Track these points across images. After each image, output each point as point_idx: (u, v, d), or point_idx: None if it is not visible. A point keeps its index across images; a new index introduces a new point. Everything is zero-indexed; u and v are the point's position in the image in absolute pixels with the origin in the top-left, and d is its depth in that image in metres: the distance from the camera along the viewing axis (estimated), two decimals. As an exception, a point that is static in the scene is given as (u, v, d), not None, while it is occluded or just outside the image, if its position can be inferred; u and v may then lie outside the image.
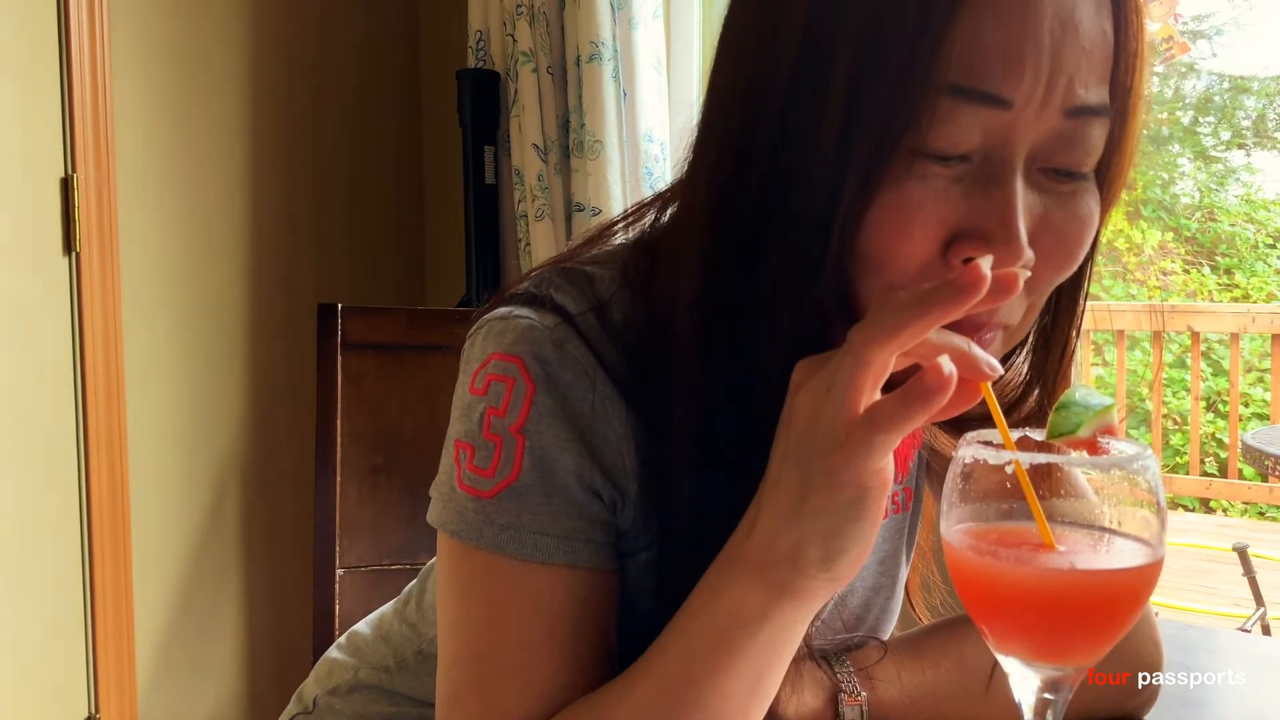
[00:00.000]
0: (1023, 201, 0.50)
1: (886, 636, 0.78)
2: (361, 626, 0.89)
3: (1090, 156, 0.52)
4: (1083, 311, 0.61)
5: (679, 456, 0.58)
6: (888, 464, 0.46)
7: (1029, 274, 0.49)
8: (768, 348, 0.54)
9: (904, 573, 0.79)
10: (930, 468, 0.80)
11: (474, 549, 0.59)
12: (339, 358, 1.22)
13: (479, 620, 0.59)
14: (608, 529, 0.61)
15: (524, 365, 0.59)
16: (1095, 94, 0.50)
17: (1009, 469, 0.43)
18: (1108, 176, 0.54)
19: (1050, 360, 0.62)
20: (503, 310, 0.62)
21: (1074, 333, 0.61)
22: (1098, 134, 0.51)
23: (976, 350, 0.46)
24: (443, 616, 0.62)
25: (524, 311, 0.61)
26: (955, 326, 0.48)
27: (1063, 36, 0.49)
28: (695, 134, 0.60)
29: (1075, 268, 0.54)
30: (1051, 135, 0.50)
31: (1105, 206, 0.54)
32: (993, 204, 0.50)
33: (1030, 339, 0.62)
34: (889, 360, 0.45)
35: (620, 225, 0.68)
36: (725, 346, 0.56)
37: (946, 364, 0.43)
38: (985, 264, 0.43)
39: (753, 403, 0.55)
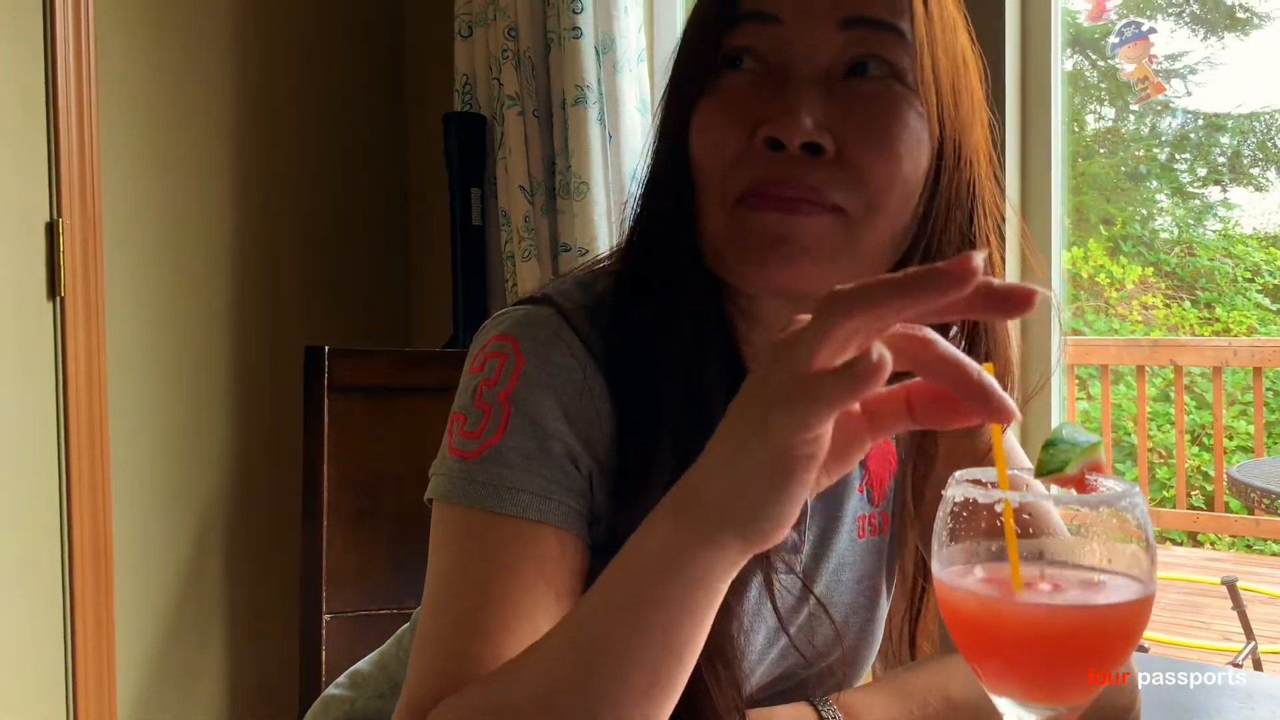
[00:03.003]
0: (811, 96, 0.62)
1: (869, 659, 0.80)
2: (362, 664, 0.92)
3: (879, 62, 0.63)
4: (974, 236, 0.68)
5: (634, 437, 0.65)
6: (820, 441, 0.43)
7: (1050, 294, 0.46)
8: (674, 286, 0.66)
9: (884, 598, 0.81)
10: (905, 503, 0.81)
11: (455, 506, 0.63)
12: (326, 401, 1.22)
13: (451, 570, 0.62)
14: (581, 497, 0.64)
15: (517, 343, 0.65)
16: (881, 9, 0.63)
17: (999, 508, 0.43)
18: (922, 86, 0.64)
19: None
20: (506, 308, 0.70)
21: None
22: (886, 43, 0.63)
23: (989, 381, 0.41)
24: (426, 581, 0.64)
25: (523, 306, 0.69)
26: (762, 189, 0.62)
27: None
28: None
29: (887, 151, 0.63)
30: (836, 44, 0.63)
31: (929, 113, 0.64)
32: (778, 94, 0.62)
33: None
34: (853, 331, 0.42)
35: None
36: (648, 303, 0.67)
37: (877, 349, 0.41)
38: (979, 256, 0.40)
39: (673, 365, 0.65)
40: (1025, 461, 0.81)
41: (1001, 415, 0.41)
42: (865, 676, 0.81)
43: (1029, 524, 0.44)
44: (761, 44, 0.63)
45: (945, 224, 0.67)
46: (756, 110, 0.63)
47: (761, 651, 0.73)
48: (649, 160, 0.71)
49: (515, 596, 0.60)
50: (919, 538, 0.80)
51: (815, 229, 0.62)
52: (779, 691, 0.76)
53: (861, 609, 0.78)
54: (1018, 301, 0.41)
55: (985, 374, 0.42)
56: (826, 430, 0.43)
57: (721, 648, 0.63)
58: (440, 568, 0.63)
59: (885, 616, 0.81)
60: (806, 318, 0.44)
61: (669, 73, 0.70)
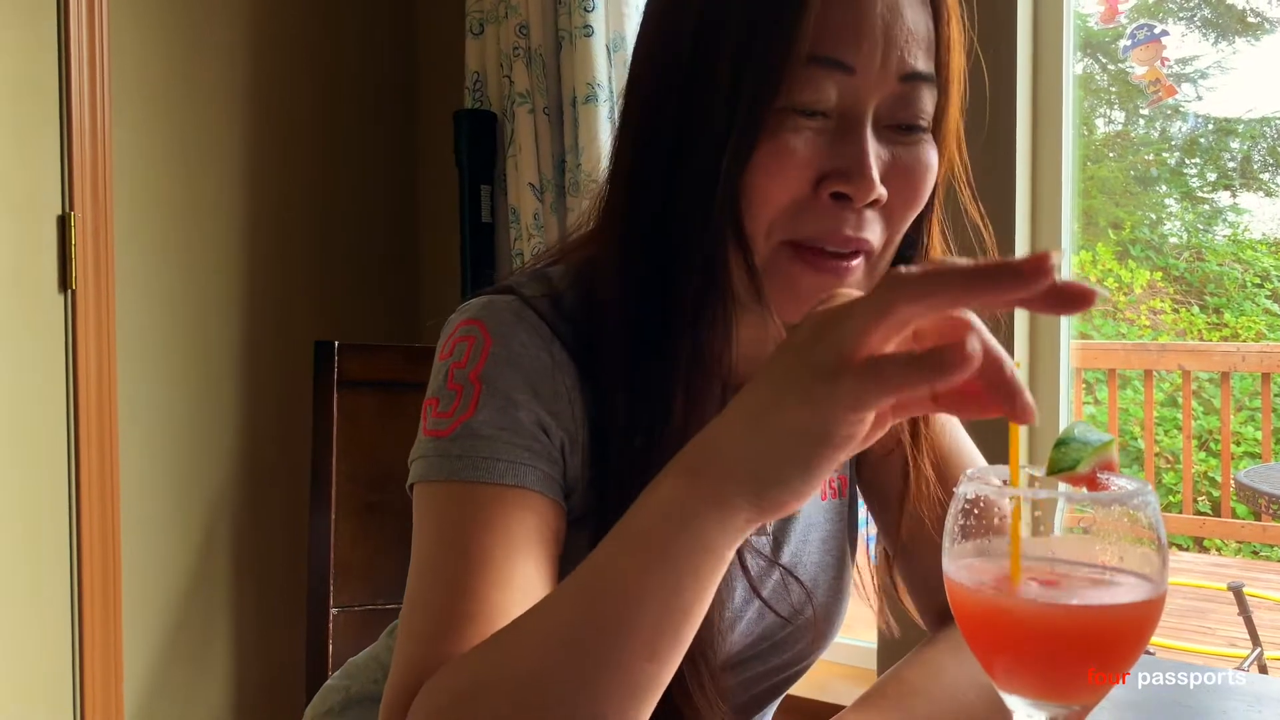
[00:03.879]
0: (873, 148, 0.64)
1: (841, 615, 0.84)
2: (356, 657, 0.94)
3: (923, 114, 0.66)
4: (926, 246, 0.72)
5: (613, 412, 0.67)
6: (865, 423, 0.43)
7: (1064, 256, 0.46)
8: (680, 285, 0.66)
9: (849, 557, 0.85)
10: (860, 474, 0.86)
11: (433, 484, 0.65)
12: (335, 395, 1.22)
13: (433, 542, 0.63)
14: (554, 464, 0.66)
15: (484, 326, 0.68)
16: (923, 64, 0.65)
17: (1011, 505, 0.43)
18: (940, 132, 0.68)
19: None
20: (469, 300, 0.73)
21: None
22: (927, 96, 0.66)
23: (1019, 379, 0.41)
24: (411, 558, 0.65)
25: (486, 295, 0.72)
26: (819, 241, 0.63)
27: (892, 19, 0.63)
28: (616, 131, 0.72)
29: (922, 203, 0.67)
30: (890, 97, 0.64)
31: (941, 157, 0.68)
32: (849, 149, 0.63)
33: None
34: (911, 317, 0.41)
35: (575, 236, 0.78)
36: (645, 295, 0.67)
37: (974, 342, 0.40)
38: (1055, 255, 0.39)
39: (669, 350, 0.65)
40: (981, 460, 0.87)
41: (1024, 416, 0.41)
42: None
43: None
44: (832, 93, 0.63)
45: (920, 240, 0.72)
46: (822, 159, 0.63)
47: (738, 611, 0.76)
48: (646, 151, 0.68)
49: (496, 558, 0.60)
50: (864, 498, 0.87)
51: (855, 277, 0.66)
52: (758, 652, 0.78)
53: (829, 568, 0.82)
54: (1079, 300, 0.39)
55: (1017, 371, 0.42)
56: (872, 413, 0.42)
57: (700, 642, 0.63)
58: (423, 541, 0.64)
59: (852, 574, 0.86)
60: (845, 292, 0.44)
61: (664, 69, 0.67)
